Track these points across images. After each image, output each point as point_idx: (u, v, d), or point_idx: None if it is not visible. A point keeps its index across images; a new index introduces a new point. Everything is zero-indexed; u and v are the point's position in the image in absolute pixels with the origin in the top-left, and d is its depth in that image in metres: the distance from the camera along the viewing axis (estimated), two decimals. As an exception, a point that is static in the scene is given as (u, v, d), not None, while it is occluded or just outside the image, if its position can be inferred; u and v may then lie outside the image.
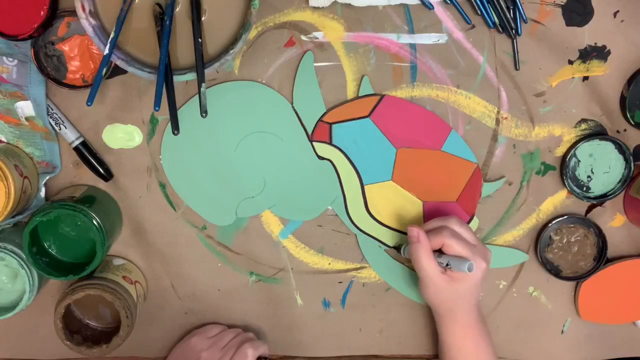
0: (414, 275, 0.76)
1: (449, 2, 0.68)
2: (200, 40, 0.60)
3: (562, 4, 0.69)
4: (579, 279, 0.75)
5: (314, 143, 0.71)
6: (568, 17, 0.69)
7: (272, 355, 0.77)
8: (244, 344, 0.69)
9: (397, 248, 0.74)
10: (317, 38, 0.69)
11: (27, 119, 0.67)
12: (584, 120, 0.72)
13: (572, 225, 0.75)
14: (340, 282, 0.76)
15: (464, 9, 0.68)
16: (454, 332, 0.70)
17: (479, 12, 0.68)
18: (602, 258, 0.74)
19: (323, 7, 0.68)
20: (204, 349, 0.70)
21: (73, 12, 0.63)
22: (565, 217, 0.74)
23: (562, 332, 0.78)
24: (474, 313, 0.69)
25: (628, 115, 0.71)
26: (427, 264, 0.65)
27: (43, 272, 0.65)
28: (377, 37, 0.69)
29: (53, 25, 0.65)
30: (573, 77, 0.71)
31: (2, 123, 0.67)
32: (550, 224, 0.74)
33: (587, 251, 0.75)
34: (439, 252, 0.66)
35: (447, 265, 0.64)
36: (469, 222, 0.74)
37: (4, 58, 0.65)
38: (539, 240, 0.74)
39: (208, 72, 0.60)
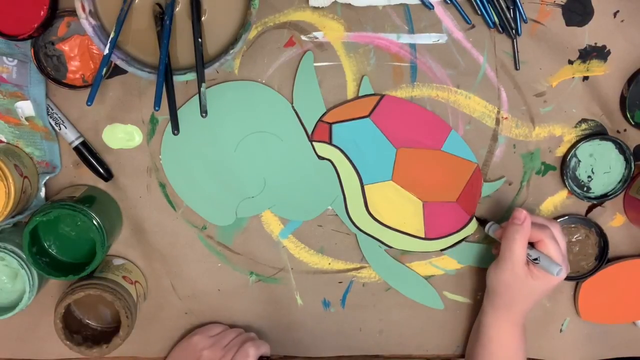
0: (414, 276, 0.76)
1: (449, 2, 0.68)
2: (200, 40, 0.60)
3: (562, 4, 0.69)
4: (580, 278, 0.75)
5: (314, 143, 0.71)
6: (568, 17, 0.69)
7: (273, 355, 0.77)
8: (246, 343, 0.70)
9: (481, 221, 0.73)
10: (317, 38, 0.69)
11: (27, 119, 0.67)
12: (584, 120, 0.72)
13: (573, 226, 0.75)
14: (340, 282, 0.76)
15: (464, 9, 0.68)
16: (501, 327, 0.70)
17: (479, 12, 0.68)
18: (604, 258, 0.74)
19: (323, 7, 0.68)
20: (205, 347, 0.70)
21: (73, 12, 0.63)
22: (566, 217, 0.74)
23: (561, 331, 0.78)
24: (524, 317, 0.70)
25: (628, 115, 0.71)
26: (519, 248, 0.65)
27: (43, 272, 0.65)
28: (377, 37, 0.69)
29: (53, 25, 0.65)
30: (573, 77, 0.71)
31: (2, 123, 0.67)
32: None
33: (589, 251, 0.75)
34: (529, 245, 0.67)
35: (535, 260, 0.65)
36: (468, 222, 0.74)
37: (4, 58, 0.65)
38: None
39: (208, 72, 0.60)
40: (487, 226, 0.72)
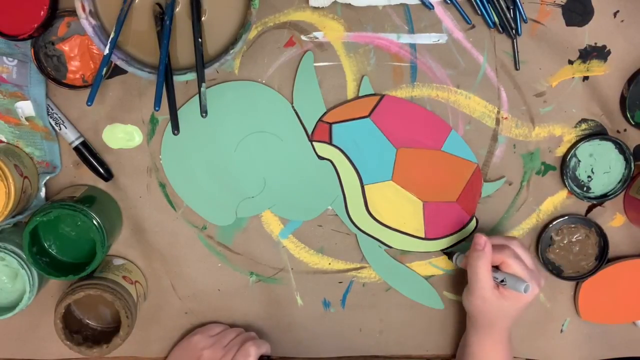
0: (414, 276, 0.76)
1: (449, 2, 0.68)
2: (200, 40, 0.60)
3: (562, 4, 0.69)
4: (580, 278, 0.75)
5: (314, 143, 0.71)
6: (568, 17, 0.69)
7: (273, 355, 0.77)
8: (247, 343, 0.69)
9: (448, 254, 0.74)
10: (317, 38, 0.69)
11: (27, 119, 0.67)
12: (584, 120, 0.72)
13: (573, 225, 0.75)
14: (340, 282, 0.76)
15: (464, 9, 0.68)
16: (484, 344, 0.70)
17: (479, 12, 0.68)
18: (604, 257, 0.74)
19: (323, 7, 0.68)
20: (206, 347, 0.70)
21: (73, 12, 0.63)
22: (566, 217, 0.74)
23: (561, 331, 0.78)
24: (507, 332, 0.70)
25: (628, 115, 0.71)
26: (484, 275, 0.66)
27: (43, 272, 0.65)
28: (377, 37, 0.69)
29: (53, 25, 0.65)
30: (573, 77, 0.71)
31: (2, 123, 0.67)
32: (551, 225, 0.74)
33: (589, 251, 0.75)
34: (495, 268, 0.67)
35: (502, 281, 0.65)
36: (468, 222, 0.74)
37: (4, 58, 0.65)
38: (540, 241, 0.75)
39: (208, 72, 0.60)
40: (453, 258, 0.73)
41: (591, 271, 0.75)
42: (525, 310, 0.69)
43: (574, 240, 0.75)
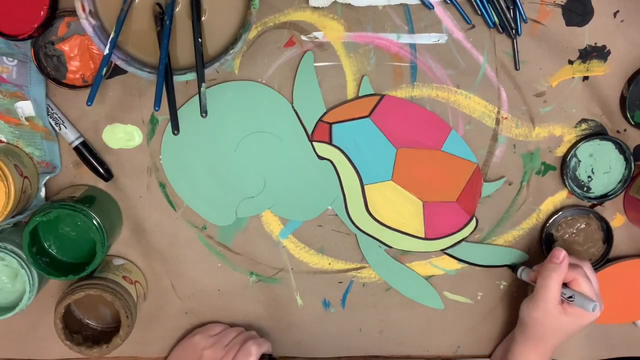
0: (414, 276, 0.76)
1: (449, 2, 0.68)
2: (200, 40, 0.60)
3: (562, 4, 0.69)
4: (596, 265, 0.75)
5: (314, 143, 0.71)
6: (568, 17, 0.69)
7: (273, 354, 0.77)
8: (248, 342, 0.69)
9: (512, 267, 0.75)
10: (317, 38, 0.69)
11: (27, 119, 0.67)
12: (584, 120, 0.72)
13: (570, 218, 0.75)
14: (340, 282, 0.76)
15: (464, 9, 0.68)
16: (529, 357, 0.71)
17: (479, 12, 0.68)
18: (611, 238, 0.74)
19: (323, 7, 0.68)
20: (206, 347, 0.70)
21: (73, 12, 0.63)
22: (560, 212, 0.74)
23: (562, 332, 0.78)
24: (553, 350, 0.71)
25: (628, 115, 0.71)
26: (555, 287, 0.66)
27: (43, 272, 0.65)
28: (377, 37, 0.69)
29: (53, 25, 0.65)
30: (573, 77, 0.71)
31: (2, 123, 0.67)
32: (548, 224, 0.74)
33: (595, 236, 0.75)
34: (563, 285, 0.68)
35: (570, 297, 0.66)
36: (468, 222, 0.74)
37: (4, 58, 0.65)
38: (543, 242, 0.75)
39: (208, 72, 0.60)
40: (519, 271, 0.73)
41: (603, 255, 0.75)
42: (579, 331, 0.69)
43: (575, 231, 0.75)
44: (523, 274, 0.73)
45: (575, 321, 0.67)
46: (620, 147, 0.72)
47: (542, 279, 0.67)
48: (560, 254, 0.67)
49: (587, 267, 0.69)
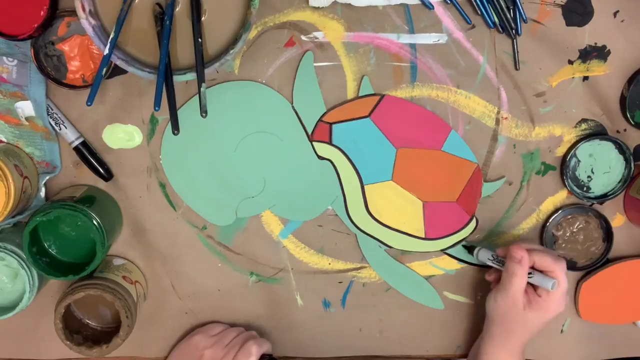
0: (414, 276, 0.76)
1: (449, 2, 0.68)
2: (200, 40, 0.60)
3: (562, 4, 0.69)
4: (596, 264, 0.76)
5: (314, 143, 0.71)
6: (568, 17, 0.69)
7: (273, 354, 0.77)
8: (248, 342, 0.70)
9: (468, 248, 0.74)
10: (317, 38, 0.69)
11: (27, 119, 0.67)
12: (584, 120, 0.72)
13: (570, 217, 0.75)
14: (340, 282, 0.76)
15: (464, 9, 0.68)
16: (499, 356, 0.71)
17: (479, 12, 0.68)
18: (611, 237, 0.74)
19: (323, 7, 0.68)
20: (207, 346, 0.70)
21: (73, 12, 0.63)
22: (560, 211, 0.74)
23: (562, 331, 0.78)
24: (522, 347, 0.70)
25: (628, 115, 0.71)
26: (517, 282, 0.67)
27: (43, 272, 0.65)
28: (377, 37, 0.69)
29: (53, 25, 0.65)
30: (573, 77, 0.71)
31: (2, 123, 0.67)
32: (548, 223, 0.74)
33: (594, 235, 0.75)
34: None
35: (530, 274, 0.66)
36: (468, 222, 0.74)
37: (4, 58, 0.65)
38: (544, 242, 0.75)
39: (208, 72, 0.60)
40: (475, 251, 0.73)
41: (603, 254, 0.75)
42: (545, 327, 0.69)
43: (575, 230, 0.75)
44: (480, 254, 0.72)
45: (540, 316, 0.67)
46: (620, 147, 0.72)
47: (507, 275, 0.67)
48: (518, 253, 0.66)
49: (564, 267, 0.68)
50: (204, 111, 0.59)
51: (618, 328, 0.79)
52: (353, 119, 0.71)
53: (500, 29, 0.69)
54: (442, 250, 0.75)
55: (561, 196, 0.75)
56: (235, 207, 0.73)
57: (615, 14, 0.69)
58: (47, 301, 0.73)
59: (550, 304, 0.67)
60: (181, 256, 0.74)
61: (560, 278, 0.66)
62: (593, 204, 0.75)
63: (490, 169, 0.73)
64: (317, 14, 0.68)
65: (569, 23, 0.69)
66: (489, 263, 0.71)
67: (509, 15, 0.68)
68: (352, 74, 0.70)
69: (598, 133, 0.73)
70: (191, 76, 0.61)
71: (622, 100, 0.71)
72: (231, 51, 0.61)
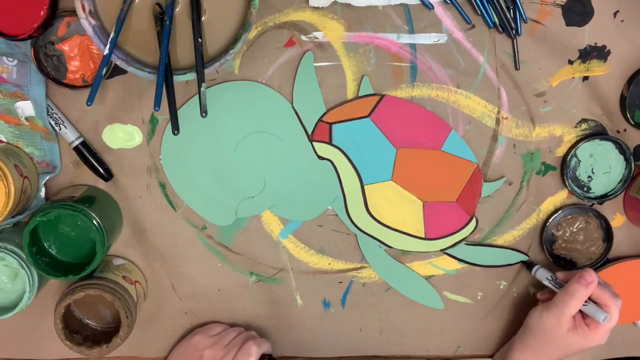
0: (414, 276, 0.76)
1: (449, 2, 0.68)
2: (200, 40, 0.60)
3: (562, 4, 0.69)
4: (596, 264, 0.76)
5: (314, 143, 0.71)
6: (568, 17, 0.69)
7: (273, 354, 0.77)
8: (248, 342, 0.70)
9: (527, 264, 0.75)
10: (317, 38, 0.69)
11: (27, 119, 0.67)
12: (584, 120, 0.72)
13: (570, 217, 0.75)
14: (340, 282, 0.76)
15: (464, 9, 0.68)
16: None
17: (479, 12, 0.68)
18: (610, 237, 0.75)
19: (323, 7, 0.68)
20: (207, 347, 0.70)
21: (73, 12, 0.63)
22: (560, 211, 0.74)
23: (562, 332, 0.78)
24: None
25: (628, 115, 0.71)
26: (575, 305, 0.67)
27: (43, 272, 0.65)
28: (377, 37, 0.69)
29: (53, 25, 0.65)
30: (573, 77, 0.71)
31: (2, 123, 0.67)
32: (548, 223, 0.74)
33: (594, 235, 0.75)
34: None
35: (585, 303, 0.67)
36: (468, 222, 0.74)
37: (4, 58, 0.65)
38: (544, 242, 0.74)
39: (208, 72, 0.60)
40: (534, 269, 0.74)
41: (603, 254, 0.75)
42: (579, 353, 0.69)
43: (575, 230, 0.75)
44: (538, 273, 0.73)
45: (582, 342, 0.68)
46: (621, 147, 0.72)
47: (567, 294, 0.67)
48: (590, 277, 0.67)
49: (619, 305, 0.68)
50: (204, 111, 0.59)
51: (618, 328, 0.79)
52: (353, 119, 0.71)
53: (500, 29, 0.69)
54: (442, 250, 0.75)
55: (561, 196, 0.75)
56: (235, 207, 0.73)
57: (615, 14, 0.69)
58: (47, 301, 0.73)
59: (595, 335, 0.68)
60: (181, 256, 0.74)
61: (614, 314, 0.67)
62: (593, 204, 0.75)
63: (490, 169, 0.73)
64: (317, 14, 0.68)
65: (569, 23, 0.69)
66: (546, 283, 0.72)
67: (509, 15, 0.68)
68: (352, 74, 0.70)
69: (598, 133, 0.73)
70: (191, 76, 0.61)
71: (622, 100, 0.71)
72: (231, 51, 0.61)
